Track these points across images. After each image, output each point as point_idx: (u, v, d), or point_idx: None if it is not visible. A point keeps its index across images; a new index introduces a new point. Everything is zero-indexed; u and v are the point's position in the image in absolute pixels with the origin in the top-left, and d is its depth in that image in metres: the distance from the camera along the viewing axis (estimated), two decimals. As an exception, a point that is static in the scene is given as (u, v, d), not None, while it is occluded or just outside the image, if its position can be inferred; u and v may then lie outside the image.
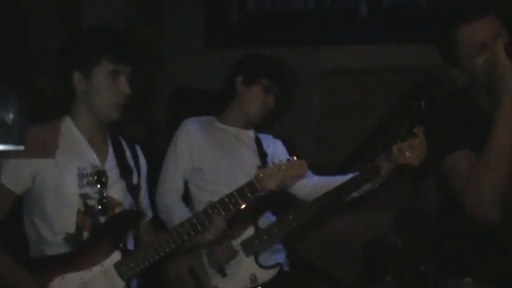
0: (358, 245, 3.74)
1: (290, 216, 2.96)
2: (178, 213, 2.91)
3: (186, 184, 3.12)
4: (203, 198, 2.90)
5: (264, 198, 2.92)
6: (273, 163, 2.70)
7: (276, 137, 3.32)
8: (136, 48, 2.58)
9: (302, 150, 3.81)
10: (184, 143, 3.08)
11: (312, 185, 3.10)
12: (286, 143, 3.33)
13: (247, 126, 3.20)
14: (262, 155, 3.15)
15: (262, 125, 3.29)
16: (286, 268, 3.07)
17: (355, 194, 3.01)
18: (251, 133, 3.22)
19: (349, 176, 2.98)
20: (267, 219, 3.05)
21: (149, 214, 2.81)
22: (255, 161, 3.10)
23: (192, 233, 2.54)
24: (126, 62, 2.50)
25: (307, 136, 4.73)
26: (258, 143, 3.18)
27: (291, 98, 4.48)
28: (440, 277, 2.26)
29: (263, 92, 3.10)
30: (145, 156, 2.82)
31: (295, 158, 2.70)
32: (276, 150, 3.23)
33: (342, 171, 3.11)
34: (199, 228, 2.55)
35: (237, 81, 3.13)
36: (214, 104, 3.26)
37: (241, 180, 2.71)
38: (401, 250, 3.55)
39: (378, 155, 2.94)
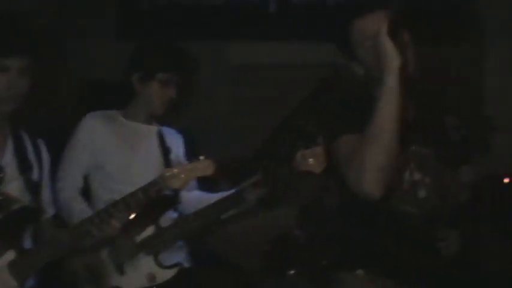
0: (265, 239, 3.78)
1: (192, 216, 2.97)
2: (77, 210, 2.87)
3: (87, 180, 3.07)
4: (105, 196, 2.86)
5: (168, 197, 2.91)
6: (180, 162, 2.70)
7: (179, 131, 3.30)
8: (30, 40, 2.51)
9: (211, 145, 3.81)
10: (85, 138, 3.02)
11: (191, 198, 3.11)
12: (193, 139, 3.33)
13: (150, 121, 3.17)
14: (166, 150, 3.13)
15: (170, 121, 3.27)
16: (188, 265, 3.08)
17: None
18: (154, 128, 3.18)
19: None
20: (169, 218, 3.04)
21: (51, 211, 2.76)
22: (159, 157, 3.09)
23: (92, 231, 2.50)
24: (9, 54, 2.43)
25: (216, 131, 4.74)
26: (161, 138, 3.16)
27: (200, 92, 4.48)
28: (336, 270, 2.32)
29: (161, 86, 3.05)
30: (49, 151, 2.76)
31: (202, 157, 2.70)
32: (178, 146, 3.22)
33: (244, 173, 3.13)
34: (100, 227, 2.51)
35: (134, 80, 3.08)
36: (122, 97, 3.21)
37: (145, 177, 2.68)
38: (305, 244, 3.62)
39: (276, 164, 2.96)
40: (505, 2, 4.99)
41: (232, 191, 2.96)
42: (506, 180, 4.49)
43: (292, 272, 3.57)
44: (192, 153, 3.14)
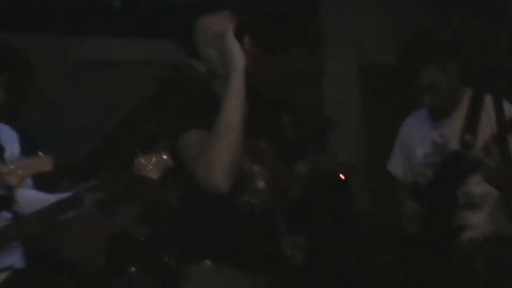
0: (105, 237, 3.72)
1: (28, 217, 2.85)
2: None
3: None
4: None
5: (2, 196, 2.79)
6: (16, 159, 2.61)
7: (17, 129, 3.16)
8: None
9: (54, 143, 3.71)
10: None
11: (27, 198, 2.99)
12: (32, 137, 3.21)
13: None
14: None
15: (8, 118, 3.13)
16: (21, 266, 2.95)
17: None
18: None
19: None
20: (3, 218, 2.90)
21: None
22: None
23: None
24: None
25: (60, 128, 4.58)
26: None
27: (41, 89, 4.33)
28: (181, 264, 2.34)
29: None
30: None
31: (39, 153, 2.62)
32: (14, 144, 3.09)
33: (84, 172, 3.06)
34: None
35: None
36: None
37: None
38: (146, 242, 3.62)
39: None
40: (342, 9, 5.28)
41: (70, 193, 2.88)
42: (342, 177, 4.75)
43: (134, 269, 3.55)
44: (30, 152, 3.02)
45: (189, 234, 2.31)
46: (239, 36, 2.07)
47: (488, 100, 2.68)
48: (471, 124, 2.68)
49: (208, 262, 2.22)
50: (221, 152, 2.03)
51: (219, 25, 2.16)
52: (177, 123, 2.22)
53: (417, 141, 2.93)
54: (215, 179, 2.04)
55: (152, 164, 2.80)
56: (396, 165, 3.08)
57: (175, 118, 2.25)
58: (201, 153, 2.07)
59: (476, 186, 2.70)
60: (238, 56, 2.06)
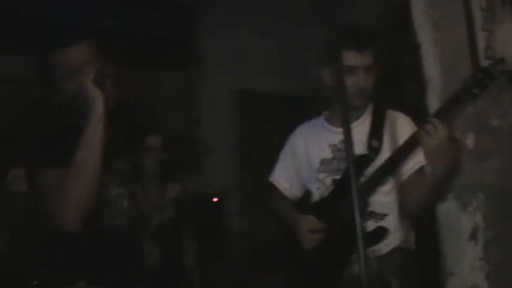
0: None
1: None
2: None
3: None
4: None
5: None
6: None
7: None
8: None
9: None
10: None
11: None
12: None
13: None
14: None
15: None
16: None
17: None
18: None
19: None
20: None
21: None
22: None
23: None
24: None
25: None
26: None
27: None
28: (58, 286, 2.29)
29: None
30: None
31: None
32: None
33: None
34: None
35: None
36: None
37: None
38: (16, 265, 3.50)
39: None
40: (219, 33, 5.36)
41: None
42: (215, 200, 4.81)
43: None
44: None
45: (61, 257, 2.28)
46: (98, 77, 2.03)
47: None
48: (377, 130, 2.53)
49: (82, 283, 2.20)
50: (76, 191, 1.97)
51: (74, 59, 2.09)
52: (35, 156, 2.11)
53: (312, 149, 2.66)
54: (66, 219, 1.98)
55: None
56: (281, 177, 2.78)
57: (34, 150, 2.13)
58: (55, 191, 1.99)
59: (385, 195, 2.48)
60: (96, 100, 2.02)
